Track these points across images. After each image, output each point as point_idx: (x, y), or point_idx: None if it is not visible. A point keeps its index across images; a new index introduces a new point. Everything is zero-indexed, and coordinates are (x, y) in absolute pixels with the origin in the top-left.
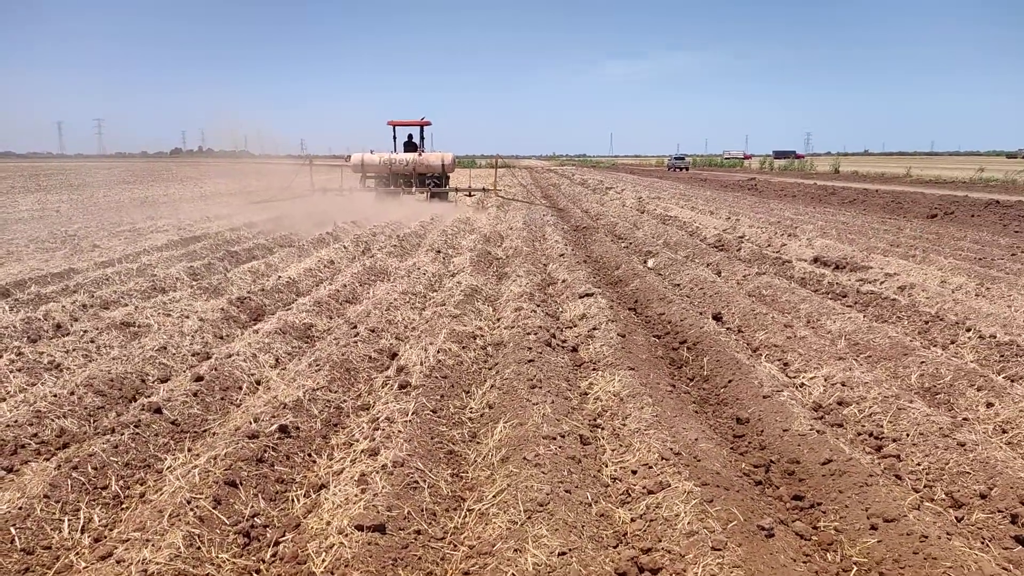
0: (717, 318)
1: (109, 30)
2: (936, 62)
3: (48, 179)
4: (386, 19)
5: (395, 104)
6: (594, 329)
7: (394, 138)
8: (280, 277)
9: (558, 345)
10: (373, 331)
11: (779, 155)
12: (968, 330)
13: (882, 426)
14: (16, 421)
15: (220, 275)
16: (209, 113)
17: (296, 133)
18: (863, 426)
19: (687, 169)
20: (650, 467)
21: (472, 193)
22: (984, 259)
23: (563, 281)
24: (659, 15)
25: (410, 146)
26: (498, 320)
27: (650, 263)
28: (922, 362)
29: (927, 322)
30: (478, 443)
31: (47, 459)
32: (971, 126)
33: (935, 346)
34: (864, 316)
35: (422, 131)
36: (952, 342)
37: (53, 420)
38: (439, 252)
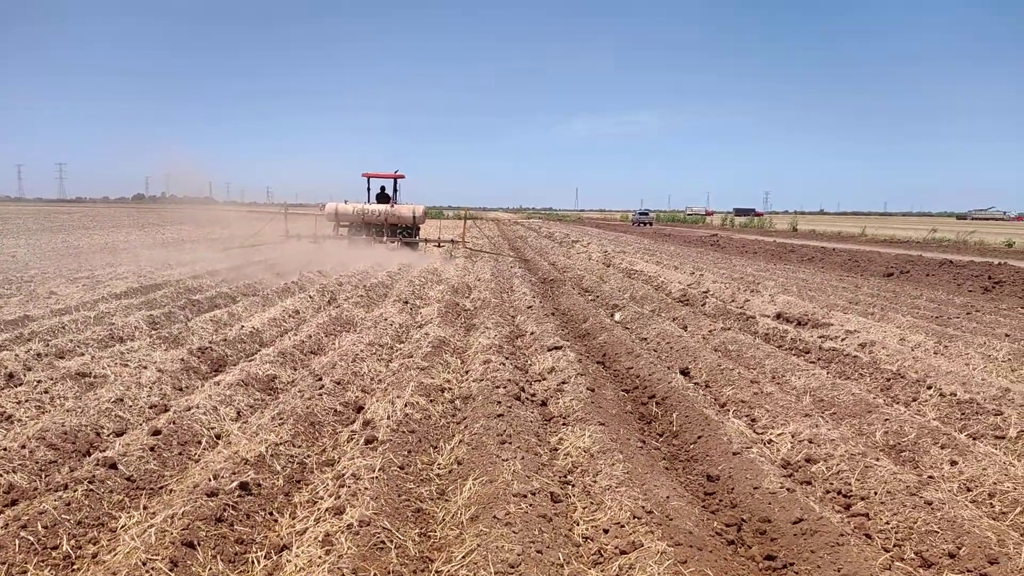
0: (685, 373)
1: (72, 72)
2: (889, 128)
3: (4, 223)
4: (357, 72)
5: (366, 156)
6: (563, 383)
7: (368, 189)
8: (243, 327)
9: (527, 399)
10: (339, 383)
11: (739, 212)
12: (929, 388)
13: (850, 484)
14: None
15: (181, 324)
16: (172, 158)
17: (262, 181)
18: (831, 484)
19: (651, 224)
20: (622, 526)
21: (441, 244)
22: (940, 317)
23: (531, 333)
24: (622, 76)
25: (383, 197)
26: (466, 373)
27: (617, 316)
28: (886, 419)
29: (888, 379)
30: (446, 500)
31: None
32: (921, 188)
33: (898, 403)
34: (827, 373)
35: (395, 183)
36: (914, 399)
37: (1, 475)
38: (406, 303)
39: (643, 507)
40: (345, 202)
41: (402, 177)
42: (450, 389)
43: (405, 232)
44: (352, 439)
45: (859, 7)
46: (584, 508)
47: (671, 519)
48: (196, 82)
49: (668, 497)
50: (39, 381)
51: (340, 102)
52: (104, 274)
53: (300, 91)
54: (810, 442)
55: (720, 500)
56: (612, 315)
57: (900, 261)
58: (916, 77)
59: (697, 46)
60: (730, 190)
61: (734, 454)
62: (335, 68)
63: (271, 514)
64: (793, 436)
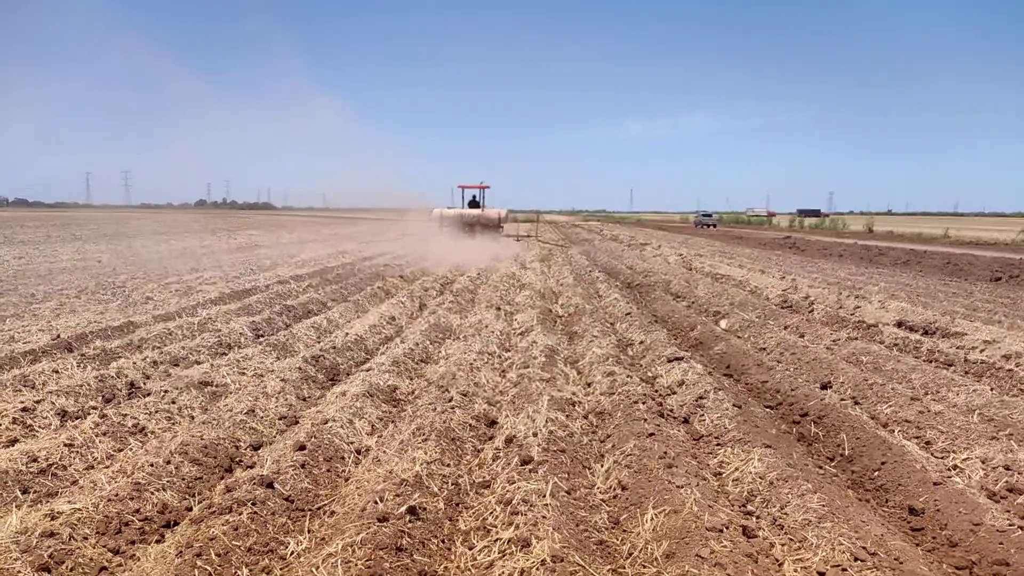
0: (826, 387)
1: (136, 82)
2: (959, 124)
3: (80, 228)
4: (404, 73)
5: (417, 159)
6: (700, 398)
7: (463, 197)
8: (347, 334)
9: (668, 415)
10: (465, 395)
11: (804, 213)
12: None
13: None
14: (116, 495)
15: (283, 331)
16: (233, 165)
17: (316, 187)
18: None
19: (715, 226)
20: (844, 570)
21: (520, 238)
22: None
23: (641, 343)
24: (676, 76)
25: (473, 203)
26: (589, 386)
27: (724, 324)
28: None
29: None
30: (624, 531)
31: (158, 540)
32: (993, 187)
33: None
34: (989, 388)
35: (483, 192)
36: None
37: (152, 493)
38: (499, 309)
39: (862, 547)
40: (449, 208)
41: (487, 187)
42: (580, 403)
43: (493, 229)
44: (498, 458)
45: (923, 5)
46: (784, 545)
47: (900, 562)
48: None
49: (882, 535)
50: (165, 391)
51: (383, 100)
52: (192, 279)
53: (344, 88)
54: (1006, 468)
55: (934, 538)
56: (718, 323)
57: (1003, 265)
58: (985, 72)
59: (752, 46)
60: (788, 190)
61: (935, 484)
62: (378, 67)
63: (443, 542)
64: (984, 462)
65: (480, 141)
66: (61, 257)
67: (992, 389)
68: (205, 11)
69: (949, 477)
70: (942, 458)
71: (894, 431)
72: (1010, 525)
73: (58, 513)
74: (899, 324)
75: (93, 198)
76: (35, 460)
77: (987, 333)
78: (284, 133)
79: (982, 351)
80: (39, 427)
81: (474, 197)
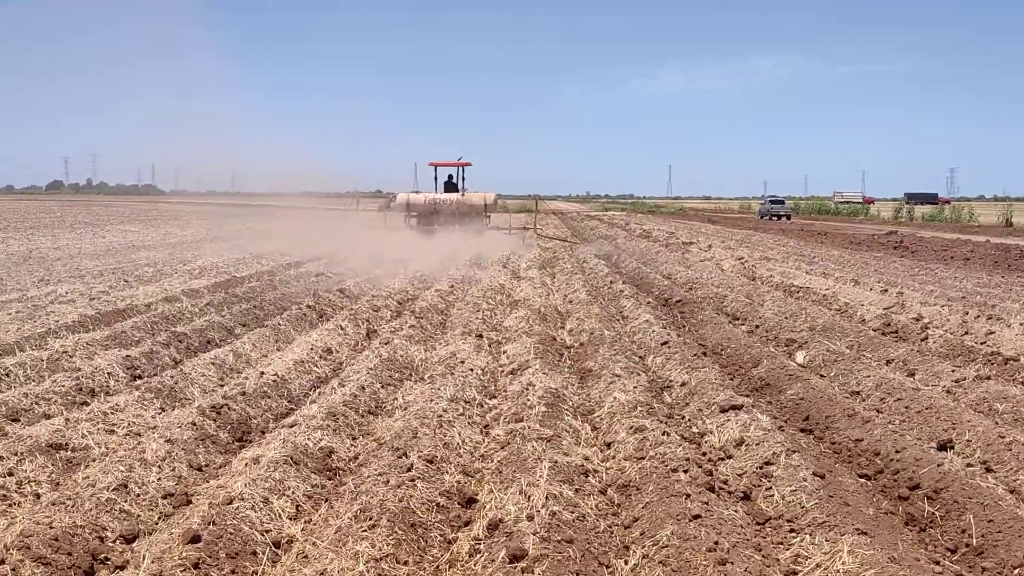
0: (945, 447)
1: None
2: None
3: None
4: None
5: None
6: (767, 464)
7: (435, 178)
8: (263, 374)
9: (720, 489)
10: (430, 462)
11: (916, 199)
12: None
13: None
14: None
15: (171, 370)
16: (103, 134)
17: (225, 165)
18: None
19: (789, 217)
20: None
21: (512, 232)
22: None
23: (682, 385)
24: (727, 7)
25: (450, 186)
26: (608, 446)
27: (800, 358)
28: None
29: None
30: None
31: None
32: None
33: None
34: None
35: (462, 171)
36: None
37: None
38: (480, 336)
39: None
40: (416, 193)
41: (468, 165)
42: (595, 472)
43: (476, 220)
44: (478, 551)
45: None
46: None
47: None
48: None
49: None
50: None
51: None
52: (40, 295)
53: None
54: None
55: None
56: (792, 356)
57: None
58: None
59: None
60: (892, 168)
61: None
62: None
63: None
64: None
65: (459, 108)
66: None
67: None
68: None
69: None
70: None
71: None
72: None
73: None
74: None
75: None
76: None
77: None
78: (174, 92)
79: None
80: None
81: (450, 178)
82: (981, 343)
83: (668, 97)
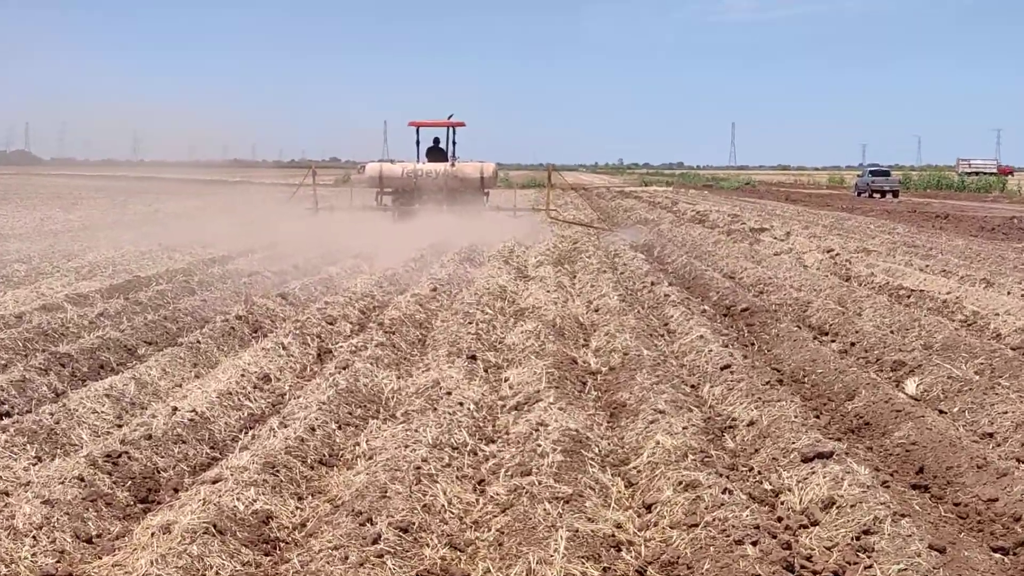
0: None
1: None
2: None
3: None
4: None
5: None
6: (866, 533)
7: (417, 143)
8: (176, 411)
9: (801, 568)
10: (403, 532)
11: None
12: None
13: None
14: None
15: (51, 404)
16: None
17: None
18: None
19: (896, 194)
20: None
21: (518, 214)
22: None
23: (750, 424)
24: None
25: (437, 152)
26: (648, 509)
27: (911, 387)
28: None
29: None
30: None
31: None
32: None
33: None
34: None
35: (452, 133)
36: None
37: None
38: (473, 358)
39: None
40: (392, 162)
41: (461, 125)
42: (630, 544)
43: (472, 196)
44: None
45: None
46: None
47: None
48: None
49: None
50: None
51: None
52: None
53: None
54: None
55: None
56: (901, 384)
57: None
58: None
59: None
60: None
61: None
62: None
63: None
64: None
65: (446, 53)
66: None
67: None
68: None
69: None
70: None
71: None
72: None
73: None
74: None
75: None
76: None
77: None
78: (55, 28)
79: None
80: None
81: (437, 142)
82: None
83: (732, 27)
